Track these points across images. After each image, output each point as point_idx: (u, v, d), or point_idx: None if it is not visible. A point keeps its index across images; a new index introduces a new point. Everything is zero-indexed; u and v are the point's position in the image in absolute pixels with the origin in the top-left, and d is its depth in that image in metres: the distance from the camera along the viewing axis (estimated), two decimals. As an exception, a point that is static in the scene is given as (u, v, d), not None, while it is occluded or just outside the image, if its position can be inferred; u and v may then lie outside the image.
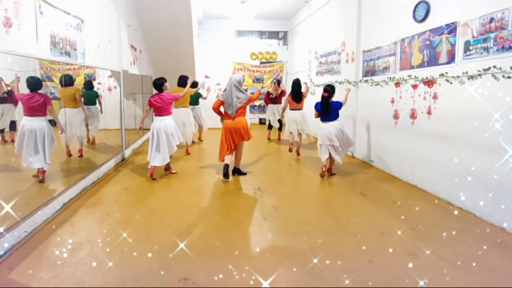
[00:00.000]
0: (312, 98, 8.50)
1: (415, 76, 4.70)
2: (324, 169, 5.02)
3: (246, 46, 12.14)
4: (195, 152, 7.17)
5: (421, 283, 2.38)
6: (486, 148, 3.50)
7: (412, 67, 4.79)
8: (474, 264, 2.64)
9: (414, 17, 4.70)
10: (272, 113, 8.31)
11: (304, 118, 6.64)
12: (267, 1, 9.65)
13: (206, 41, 11.61)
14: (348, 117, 6.75)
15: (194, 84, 7.46)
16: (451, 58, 4.02)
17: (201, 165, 5.92)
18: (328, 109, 4.91)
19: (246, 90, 13.00)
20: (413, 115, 4.77)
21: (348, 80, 6.82)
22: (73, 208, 3.82)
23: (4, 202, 2.86)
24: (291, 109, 6.66)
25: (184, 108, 6.66)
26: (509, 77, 3.27)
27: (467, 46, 3.78)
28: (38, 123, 3.89)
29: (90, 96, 5.58)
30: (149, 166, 4.93)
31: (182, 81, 6.38)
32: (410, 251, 2.86)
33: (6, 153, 4.32)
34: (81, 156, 5.24)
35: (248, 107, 10.61)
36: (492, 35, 3.45)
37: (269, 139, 8.55)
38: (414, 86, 4.74)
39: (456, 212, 3.75)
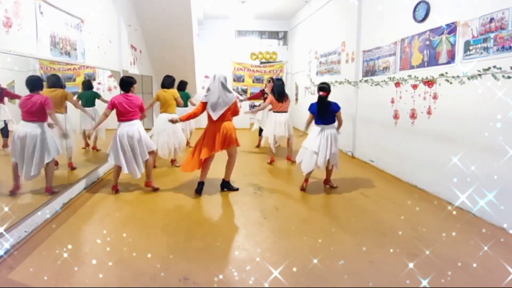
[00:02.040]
0: (312, 99, 8.48)
1: (415, 76, 4.70)
2: (305, 185, 4.44)
3: (246, 46, 12.12)
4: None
5: (422, 284, 2.38)
6: (486, 148, 3.50)
7: (412, 67, 4.79)
8: (474, 264, 2.64)
9: (414, 17, 4.70)
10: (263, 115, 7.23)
11: (289, 122, 5.99)
12: (267, 1, 9.64)
13: (206, 41, 11.60)
14: (348, 117, 6.75)
15: (182, 85, 6.91)
16: (451, 58, 4.02)
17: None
18: (326, 110, 4.30)
19: (246, 90, 12.62)
20: (413, 115, 4.77)
21: (348, 80, 6.82)
22: (73, 208, 3.82)
23: (4, 202, 2.86)
24: (274, 111, 5.97)
25: (168, 114, 5.41)
26: (509, 77, 3.27)
27: (467, 46, 3.78)
28: (32, 129, 3.53)
29: (89, 97, 5.46)
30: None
31: (168, 83, 5.65)
32: (411, 252, 2.86)
33: (6, 153, 4.31)
34: (73, 168, 4.71)
35: (247, 107, 10.69)
36: (492, 35, 3.45)
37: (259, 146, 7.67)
38: (414, 86, 4.74)
39: (456, 213, 3.76)
